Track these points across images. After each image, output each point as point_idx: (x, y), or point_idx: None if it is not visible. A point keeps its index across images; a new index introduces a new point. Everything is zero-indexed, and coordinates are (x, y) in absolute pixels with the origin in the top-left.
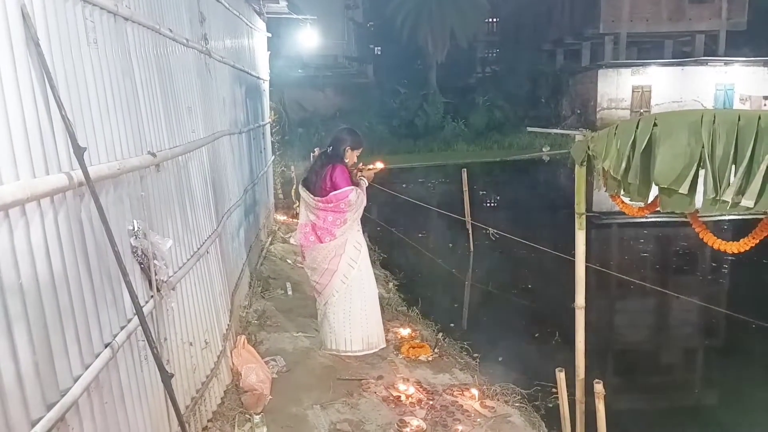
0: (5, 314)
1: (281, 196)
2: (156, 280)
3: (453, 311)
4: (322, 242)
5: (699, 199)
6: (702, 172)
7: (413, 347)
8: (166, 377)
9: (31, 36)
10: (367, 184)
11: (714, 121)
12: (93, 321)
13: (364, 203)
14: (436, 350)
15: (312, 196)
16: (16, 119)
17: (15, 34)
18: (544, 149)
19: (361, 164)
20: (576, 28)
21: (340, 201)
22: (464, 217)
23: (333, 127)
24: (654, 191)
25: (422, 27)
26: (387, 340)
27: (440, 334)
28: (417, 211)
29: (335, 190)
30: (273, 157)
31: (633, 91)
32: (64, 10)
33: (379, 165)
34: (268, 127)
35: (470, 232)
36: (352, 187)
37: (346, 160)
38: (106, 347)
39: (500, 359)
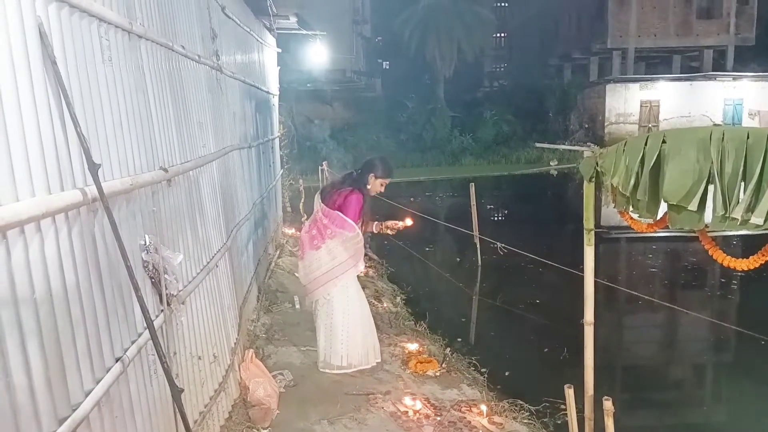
0: (19, 329)
1: (289, 209)
2: (166, 294)
3: (461, 326)
4: (311, 249)
5: (708, 216)
6: (711, 189)
7: (421, 362)
8: (176, 392)
9: (47, 54)
10: (382, 232)
11: (723, 138)
12: (104, 335)
13: (358, 249)
14: (443, 365)
15: (321, 201)
16: (33, 136)
17: (32, 52)
18: (552, 163)
19: (390, 221)
20: (583, 43)
21: (336, 224)
22: (472, 231)
23: (341, 141)
24: (663, 208)
25: (430, 42)
26: (394, 355)
27: (448, 349)
28: (424, 225)
29: (341, 211)
30: (282, 170)
31: (641, 106)
32: (80, 28)
33: (408, 222)
34: (277, 141)
35: (478, 246)
36: (356, 228)
37: (368, 186)
38: (117, 361)
39: (508, 375)
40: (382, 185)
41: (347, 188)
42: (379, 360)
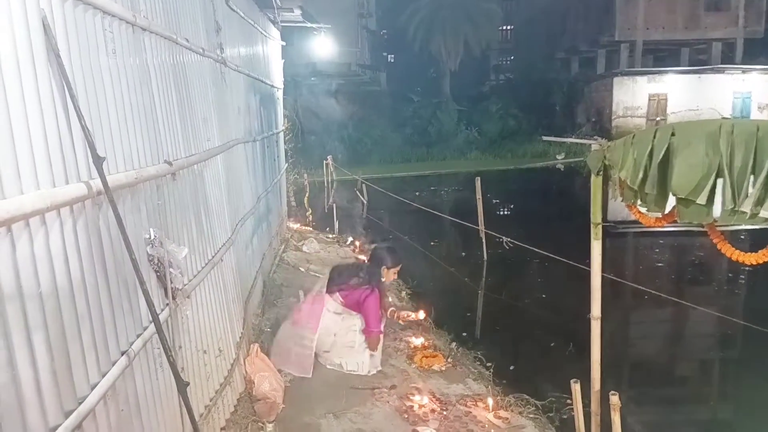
0: (25, 322)
1: (294, 203)
2: (171, 288)
3: (466, 320)
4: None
5: (717, 210)
6: (720, 183)
7: (426, 357)
8: (182, 385)
9: (51, 46)
10: (394, 319)
11: (732, 131)
12: (110, 329)
13: (301, 354)
14: (449, 360)
15: (325, 286)
16: (37, 129)
17: (36, 44)
18: (558, 157)
19: (404, 312)
20: (591, 36)
21: (311, 317)
22: (477, 225)
23: (346, 135)
24: (671, 201)
25: (435, 35)
26: (399, 350)
27: (453, 344)
28: (430, 220)
29: (364, 312)
30: (286, 165)
31: (649, 99)
32: (84, 20)
33: (421, 315)
34: (281, 135)
35: (483, 240)
36: (314, 338)
37: (383, 279)
38: (122, 355)
39: (514, 370)
40: (395, 273)
41: (365, 288)
42: (379, 368)
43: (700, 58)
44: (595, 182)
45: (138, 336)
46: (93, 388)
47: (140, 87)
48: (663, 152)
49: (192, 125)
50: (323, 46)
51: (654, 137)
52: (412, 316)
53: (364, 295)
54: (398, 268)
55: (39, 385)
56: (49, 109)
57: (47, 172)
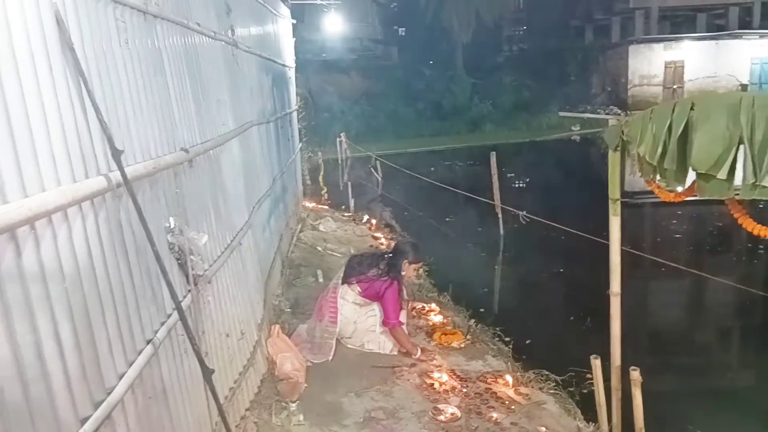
0: (52, 317)
1: (309, 182)
2: (193, 274)
3: (484, 296)
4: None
5: (738, 184)
6: (740, 157)
7: (445, 334)
8: (207, 372)
9: (65, 41)
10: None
11: (753, 104)
12: (135, 319)
13: (321, 343)
14: (468, 337)
15: (341, 277)
16: (55, 125)
17: (50, 39)
18: (573, 129)
19: (418, 305)
20: (605, 3)
21: (329, 310)
22: (493, 200)
23: (359, 111)
24: (691, 176)
25: (447, 6)
26: (419, 327)
27: (472, 320)
28: (444, 195)
29: (383, 302)
30: (300, 143)
31: (666, 67)
32: (96, 12)
33: (434, 306)
34: (294, 114)
35: (500, 215)
36: (336, 327)
37: (403, 273)
38: (147, 343)
39: (533, 345)
40: (415, 270)
41: (384, 279)
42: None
43: (717, 23)
44: (613, 158)
45: (162, 324)
46: (120, 377)
47: (154, 75)
48: (682, 127)
49: (206, 110)
50: (333, 22)
51: (673, 111)
52: (426, 308)
53: (383, 287)
54: (419, 265)
55: (68, 377)
56: (66, 104)
57: (67, 167)
